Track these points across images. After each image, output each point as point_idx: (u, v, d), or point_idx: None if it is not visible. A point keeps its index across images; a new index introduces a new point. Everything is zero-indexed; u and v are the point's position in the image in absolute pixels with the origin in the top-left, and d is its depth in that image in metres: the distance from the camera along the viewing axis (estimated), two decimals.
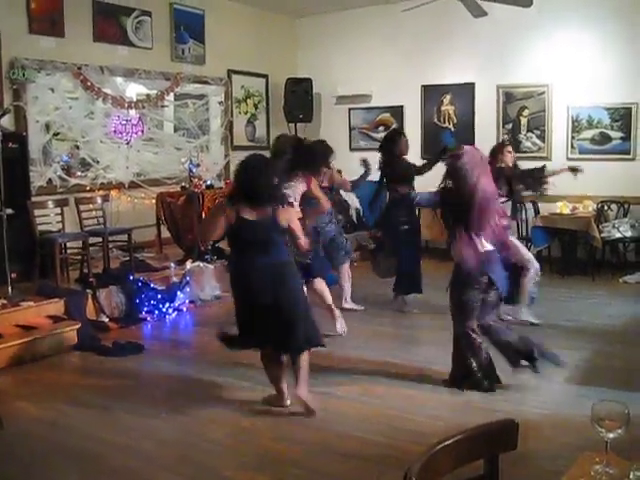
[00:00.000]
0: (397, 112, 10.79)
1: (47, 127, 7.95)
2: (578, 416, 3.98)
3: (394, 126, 10.51)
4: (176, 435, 4.22)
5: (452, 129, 10.29)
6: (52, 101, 7.97)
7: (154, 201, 8.55)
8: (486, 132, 9.81)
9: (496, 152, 6.49)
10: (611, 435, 1.79)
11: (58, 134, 8.22)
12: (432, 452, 1.77)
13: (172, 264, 7.72)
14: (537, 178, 6.49)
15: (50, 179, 7.91)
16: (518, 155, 7.43)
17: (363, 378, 5.13)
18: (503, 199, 5.82)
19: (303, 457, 3.88)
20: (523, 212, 8.71)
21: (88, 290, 6.65)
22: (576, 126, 9.35)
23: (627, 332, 6.25)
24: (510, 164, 6.51)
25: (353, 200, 9.88)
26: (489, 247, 4.65)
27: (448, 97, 10.34)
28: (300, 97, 10.77)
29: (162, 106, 9.49)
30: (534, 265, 6.30)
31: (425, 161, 7.50)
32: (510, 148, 6.68)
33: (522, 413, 4.24)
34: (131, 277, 7.02)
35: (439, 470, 1.80)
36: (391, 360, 5.49)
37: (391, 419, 4.35)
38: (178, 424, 4.37)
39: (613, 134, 9.12)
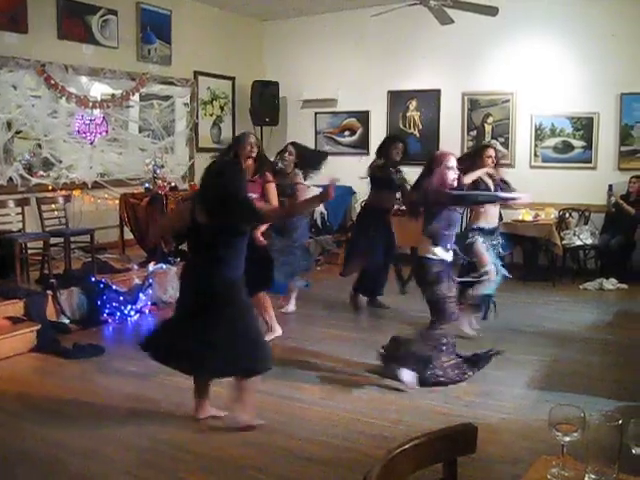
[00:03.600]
0: (363, 117, 10.84)
1: (9, 125, 7.80)
2: (537, 420, 4.05)
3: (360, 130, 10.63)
4: (137, 439, 4.17)
5: (417, 135, 10.37)
6: (14, 98, 7.82)
7: (117, 202, 8.46)
8: (451, 138, 9.92)
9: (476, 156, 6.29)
10: (567, 438, 1.82)
11: (20, 132, 8.09)
12: (391, 456, 1.77)
13: (135, 266, 7.65)
14: None
15: (11, 178, 7.77)
16: None
17: (325, 382, 5.14)
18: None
19: (265, 462, 3.86)
20: None
21: (49, 291, 6.55)
22: (539, 134, 9.48)
23: (587, 338, 6.35)
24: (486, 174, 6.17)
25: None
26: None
27: (414, 103, 10.41)
28: (266, 100, 10.76)
29: (127, 106, 9.40)
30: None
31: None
32: (491, 152, 6.30)
33: (482, 417, 4.28)
34: (93, 278, 6.93)
35: (398, 473, 1.80)
36: (352, 364, 5.51)
37: (353, 423, 4.36)
38: (139, 428, 4.32)
39: (575, 143, 9.28)
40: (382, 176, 7.05)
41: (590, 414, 1.77)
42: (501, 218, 8.90)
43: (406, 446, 1.82)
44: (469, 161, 6.16)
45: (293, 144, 6.93)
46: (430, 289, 4.94)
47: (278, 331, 6.22)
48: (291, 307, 7.22)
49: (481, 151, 6.36)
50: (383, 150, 7.15)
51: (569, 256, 8.95)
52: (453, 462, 1.97)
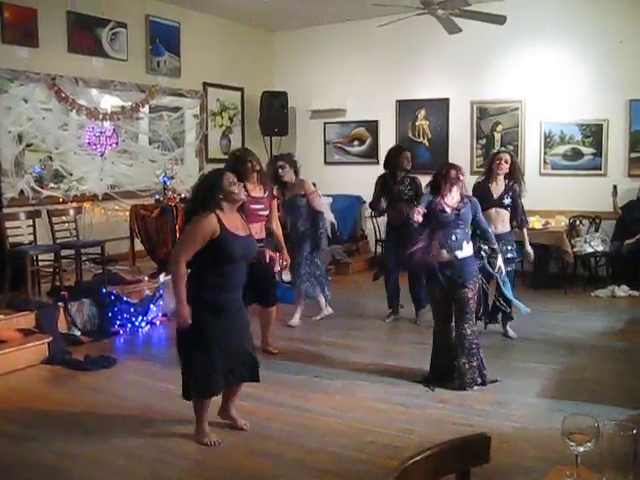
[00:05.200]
0: (372, 127, 10.85)
1: (20, 138, 7.86)
2: (550, 430, 4.02)
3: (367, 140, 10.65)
4: (148, 450, 4.17)
5: (426, 144, 10.38)
6: (25, 112, 7.87)
7: (128, 213, 8.49)
8: (461, 147, 9.93)
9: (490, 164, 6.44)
10: (581, 448, 1.81)
11: (31, 145, 8.13)
12: (404, 467, 1.76)
13: (145, 277, 7.67)
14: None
15: (22, 190, 7.81)
16: None
17: (335, 392, 5.12)
18: None
19: (276, 472, 3.85)
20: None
21: (60, 303, 6.57)
22: (549, 142, 9.47)
23: (599, 346, 6.30)
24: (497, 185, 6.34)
25: (328, 214, 9.88)
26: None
27: (423, 112, 10.41)
28: (276, 110, 10.79)
29: (137, 118, 9.44)
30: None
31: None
32: (501, 157, 6.39)
33: (495, 427, 4.26)
34: (104, 290, 6.94)
35: None
36: (363, 374, 5.49)
37: (364, 433, 4.34)
38: (150, 439, 4.32)
39: (585, 150, 9.26)
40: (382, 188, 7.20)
41: (604, 423, 1.76)
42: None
43: (418, 457, 1.81)
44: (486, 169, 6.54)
45: (279, 158, 6.96)
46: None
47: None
48: (295, 321, 7.09)
49: (493, 157, 6.50)
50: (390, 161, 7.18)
51: (580, 263, 8.90)
52: (466, 472, 1.96)
